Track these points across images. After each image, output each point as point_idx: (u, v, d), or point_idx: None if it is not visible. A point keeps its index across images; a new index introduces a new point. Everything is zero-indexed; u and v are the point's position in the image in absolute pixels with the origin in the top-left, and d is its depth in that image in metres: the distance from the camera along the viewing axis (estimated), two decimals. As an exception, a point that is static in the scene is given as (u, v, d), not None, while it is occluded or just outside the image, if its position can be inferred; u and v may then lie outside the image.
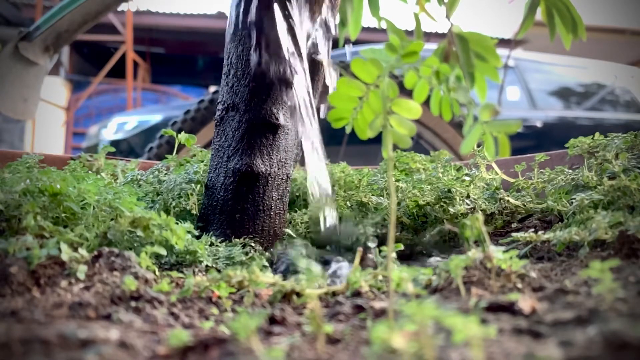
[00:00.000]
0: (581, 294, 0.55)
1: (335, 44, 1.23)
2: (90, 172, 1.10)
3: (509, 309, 0.51)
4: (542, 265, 0.72)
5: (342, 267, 0.76)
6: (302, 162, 1.33)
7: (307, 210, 1.08)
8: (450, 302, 0.57)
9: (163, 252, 0.72)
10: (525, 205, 1.01)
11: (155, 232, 0.76)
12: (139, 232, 0.76)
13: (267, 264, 0.83)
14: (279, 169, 0.95)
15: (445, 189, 1.05)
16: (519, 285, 0.61)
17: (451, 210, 1.00)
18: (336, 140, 2.69)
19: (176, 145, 1.22)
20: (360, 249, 0.70)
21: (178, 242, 0.76)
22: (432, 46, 2.77)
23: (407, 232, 1.03)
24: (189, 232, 0.80)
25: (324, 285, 0.67)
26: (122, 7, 6.43)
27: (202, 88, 9.60)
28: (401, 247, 0.78)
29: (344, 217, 0.99)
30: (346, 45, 1.12)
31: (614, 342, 0.37)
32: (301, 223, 1.02)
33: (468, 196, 1.05)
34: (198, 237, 0.85)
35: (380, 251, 0.76)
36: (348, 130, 0.68)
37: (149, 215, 0.76)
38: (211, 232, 0.91)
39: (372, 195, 1.11)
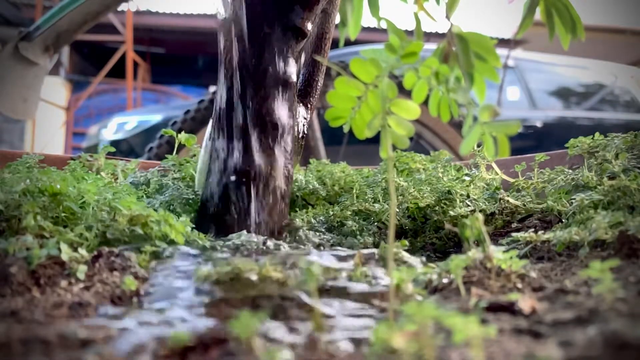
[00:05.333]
0: (581, 294, 0.55)
1: (335, 44, 1.23)
2: (90, 172, 1.10)
3: (509, 309, 0.51)
4: (542, 265, 0.72)
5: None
6: (302, 162, 1.33)
7: (307, 211, 1.09)
8: (450, 302, 0.57)
9: (164, 247, 0.72)
10: (525, 205, 1.01)
11: (154, 229, 0.76)
12: (139, 230, 0.76)
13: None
14: (278, 168, 0.95)
15: (445, 190, 1.05)
16: (519, 285, 0.61)
17: (451, 212, 0.99)
18: (336, 140, 2.69)
19: (176, 145, 1.22)
20: (360, 251, 0.70)
21: (177, 237, 0.76)
22: (432, 46, 2.78)
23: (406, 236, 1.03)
24: (186, 225, 0.80)
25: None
26: (122, 7, 6.43)
27: (202, 88, 9.60)
28: (406, 244, 0.78)
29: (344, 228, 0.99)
30: None
31: (614, 342, 0.37)
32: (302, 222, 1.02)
33: (468, 196, 1.05)
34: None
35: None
36: (346, 129, 0.68)
37: (147, 212, 0.77)
38: (209, 234, 0.91)
39: (371, 197, 1.11)
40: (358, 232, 0.97)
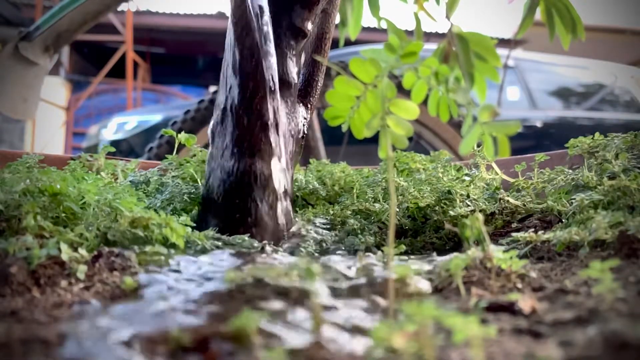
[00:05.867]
0: (581, 294, 0.55)
1: (335, 44, 1.23)
2: (90, 172, 1.10)
3: (509, 309, 0.51)
4: (542, 265, 0.72)
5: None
6: (302, 162, 1.33)
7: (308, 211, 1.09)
8: (450, 302, 0.57)
9: (164, 251, 0.72)
10: (525, 205, 1.01)
11: (155, 232, 0.76)
12: (140, 232, 0.76)
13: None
14: (280, 168, 0.95)
15: (445, 190, 1.05)
16: (519, 285, 0.61)
17: (451, 212, 0.99)
18: (336, 140, 2.69)
19: (176, 145, 1.22)
20: (360, 253, 0.70)
21: (178, 241, 0.76)
22: (432, 46, 2.78)
23: (406, 236, 1.03)
24: (186, 225, 0.80)
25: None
26: (122, 7, 6.43)
27: (202, 88, 9.61)
28: (403, 248, 0.78)
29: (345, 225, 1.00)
30: None
31: (614, 342, 0.37)
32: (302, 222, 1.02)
33: (468, 196, 1.04)
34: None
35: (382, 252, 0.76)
36: (344, 128, 0.68)
37: (149, 215, 0.76)
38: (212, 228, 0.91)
39: (371, 196, 1.11)
40: (360, 231, 0.97)
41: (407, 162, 1.22)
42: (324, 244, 0.94)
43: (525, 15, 0.96)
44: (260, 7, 0.94)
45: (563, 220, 0.90)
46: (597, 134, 1.09)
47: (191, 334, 0.44)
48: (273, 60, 0.95)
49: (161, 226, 0.76)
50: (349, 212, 1.04)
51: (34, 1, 6.95)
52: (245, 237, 0.85)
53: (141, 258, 0.70)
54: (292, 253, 0.88)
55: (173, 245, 0.77)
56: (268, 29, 0.94)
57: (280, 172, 0.95)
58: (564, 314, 0.48)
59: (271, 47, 0.95)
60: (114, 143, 4.07)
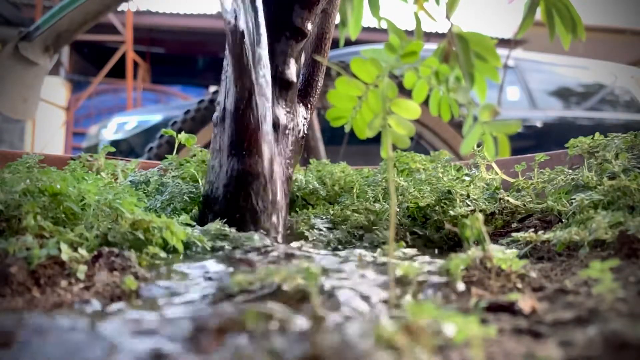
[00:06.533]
0: (581, 294, 0.55)
1: (335, 44, 1.23)
2: (90, 172, 1.10)
3: (509, 309, 0.51)
4: (542, 265, 0.72)
5: None
6: (302, 162, 1.33)
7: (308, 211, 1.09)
8: (450, 302, 0.57)
9: (163, 254, 0.72)
10: (525, 205, 1.01)
11: (155, 234, 0.76)
12: (140, 235, 0.76)
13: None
14: (279, 168, 0.95)
15: (445, 190, 1.05)
16: (519, 285, 0.61)
17: (451, 212, 0.99)
18: (336, 140, 2.69)
19: (176, 145, 1.22)
20: (360, 252, 0.70)
21: (178, 244, 0.76)
22: (432, 46, 2.78)
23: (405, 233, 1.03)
24: (187, 224, 0.80)
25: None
26: (122, 7, 6.43)
27: (202, 88, 9.61)
28: (403, 245, 0.78)
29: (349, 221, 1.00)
30: None
31: (614, 342, 0.37)
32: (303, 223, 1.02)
33: (468, 196, 1.05)
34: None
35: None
36: (347, 129, 0.68)
37: (150, 218, 0.76)
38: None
39: (372, 196, 1.11)
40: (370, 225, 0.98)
41: (407, 162, 1.22)
42: (330, 245, 0.93)
43: (525, 15, 0.96)
44: (254, 7, 0.94)
45: (563, 220, 0.90)
46: (597, 134, 1.09)
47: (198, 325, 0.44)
48: (273, 60, 0.95)
49: (162, 229, 0.76)
50: (349, 212, 1.04)
51: (34, 1, 6.96)
52: (250, 234, 0.84)
53: (141, 259, 0.70)
54: (293, 251, 0.88)
55: (174, 247, 0.77)
56: (262, 29, 0.94)
57: (279, 171, 0.95)
58: (564, 314, 0.48)
59: (271, 48, 0.95)
60: (114, 143, 4.07)
